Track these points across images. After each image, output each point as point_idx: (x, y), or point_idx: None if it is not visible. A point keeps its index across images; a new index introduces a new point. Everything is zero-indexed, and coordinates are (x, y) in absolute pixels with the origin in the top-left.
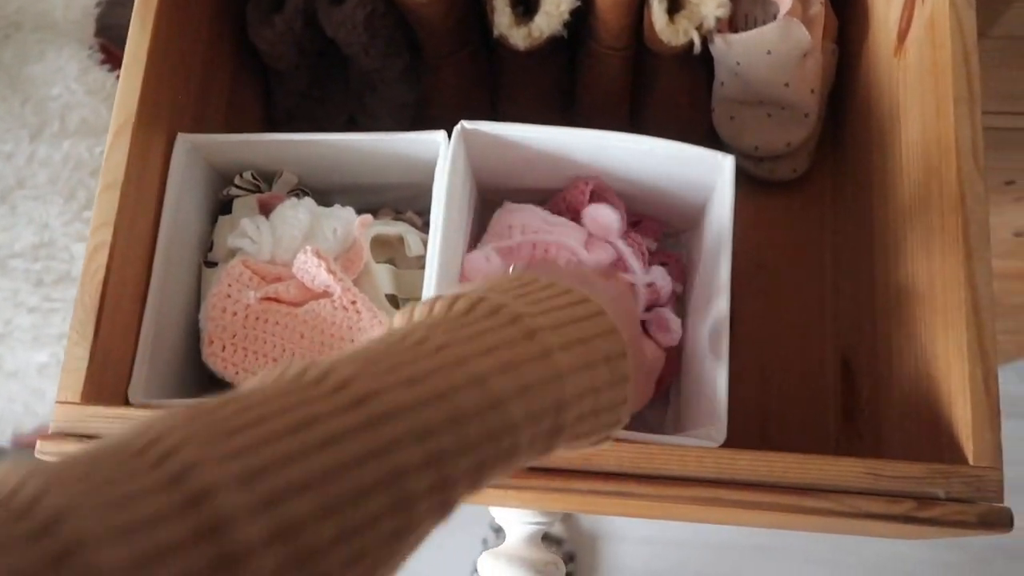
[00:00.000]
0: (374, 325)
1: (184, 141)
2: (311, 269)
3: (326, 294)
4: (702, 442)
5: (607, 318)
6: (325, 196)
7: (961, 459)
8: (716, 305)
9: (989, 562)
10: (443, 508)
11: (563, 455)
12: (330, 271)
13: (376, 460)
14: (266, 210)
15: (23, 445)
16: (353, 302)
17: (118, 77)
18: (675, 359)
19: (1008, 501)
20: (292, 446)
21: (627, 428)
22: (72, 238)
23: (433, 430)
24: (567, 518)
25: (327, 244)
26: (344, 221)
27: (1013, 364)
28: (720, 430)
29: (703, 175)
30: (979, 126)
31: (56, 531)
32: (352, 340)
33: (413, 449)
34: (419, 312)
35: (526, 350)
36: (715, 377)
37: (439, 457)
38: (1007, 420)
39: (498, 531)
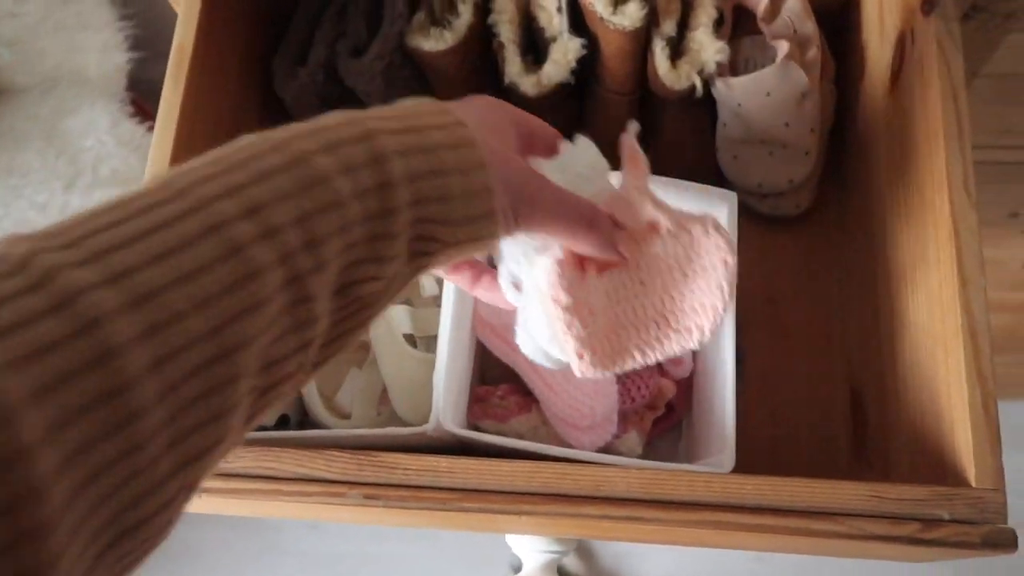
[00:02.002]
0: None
1: None
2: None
3: (652, 230)
4: (711, 470)
5: (451, 115)
6: None
7: (964, 482)
8: (724, 338)
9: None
10: (285, 263)
11: (447, 253)
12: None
13: (194, 216)
14: None
15: None
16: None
17: (148, 129)
18: (686, 392)
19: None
20: (110, 219)
21: (641, 458)
22: None
23: (242, 186)
24: (587, 556)
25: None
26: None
27: None
28: (729, 457)
29: (708, 211)
30: (970, 160)
31: None
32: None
33: (225, 203)
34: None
35: (348, 131)
36: (724, 407)
37: (254, 207)
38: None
39: (518, 570)
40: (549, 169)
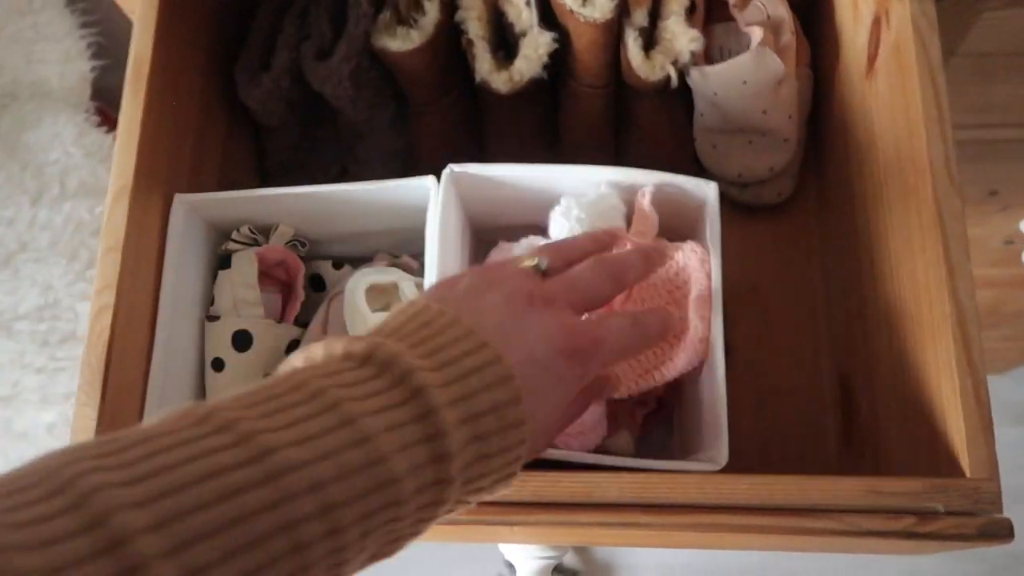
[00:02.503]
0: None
1: (181, 201)
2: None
3: None
4: (703, 466)
5: (502, 365)
6: (321, 245)
7: (958, 472)
8: (713, 331)
9: (1008, 570)
10: (335, 556)
11: (468, 504)
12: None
13: (274, 511)
14: (264, 264)
15: None
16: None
17: (116, 138)
18: (676, 385)
19: (1015, 509)
20: (198, 495)
21: (635, 454)
22: (76, 298)
23: (324, 483)
24: (581, 550)
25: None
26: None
27: (1020, 369)
28: (721, 452)
29: (689, 202)
30: (951, 143)
31: None
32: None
33: (307, 500)
34: (319, 354)
35: (411, 411)
36: (713, 401)
37: (330, 507)
38: (1015, 427)
39: (511, 567)
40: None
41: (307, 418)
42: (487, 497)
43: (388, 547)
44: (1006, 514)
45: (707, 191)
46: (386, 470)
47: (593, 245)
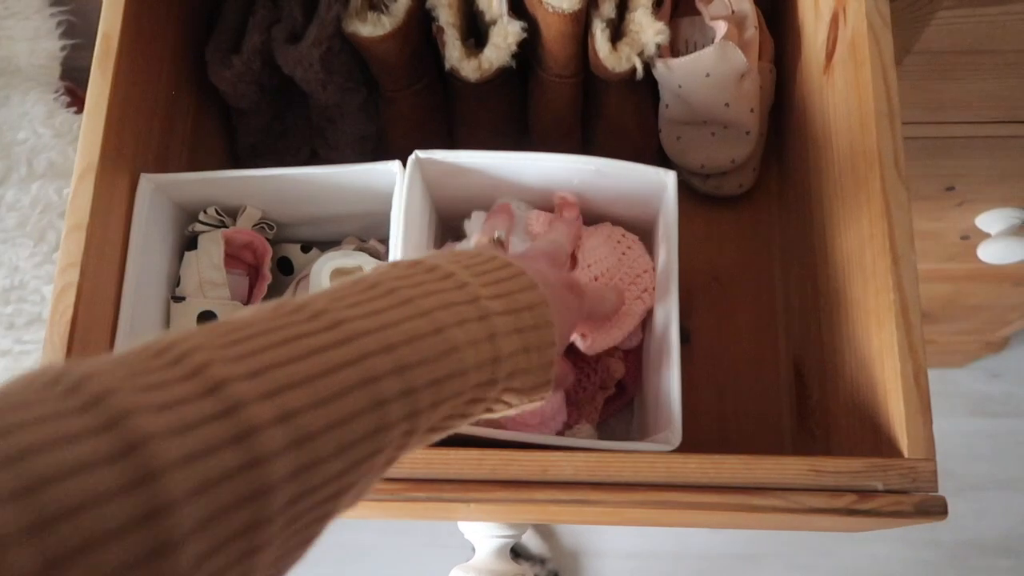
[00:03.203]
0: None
1: (148, 181)
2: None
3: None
4: (659, 447)
5: (538, 291)
6: (289, 228)
7: (897, 452)
8: (669, 316)
9: (964, 558)
10: (410, 421)
11: (501, 413)
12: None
13: (355, 366)
14: (231, 246)
15: None
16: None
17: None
18: (637, 370)
19: (974, 497)
20: (287, 353)
21: (594, 438)
22: (43, 280)
23: (396, 346)
24: (548, 536)
25: None
26: None
27: (979, 362)
28: (675, 432)
29: (650, 191)
30: (900, 138)
31: (104, 405)
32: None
33: (382, 358)
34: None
35: (471, 311)
36: (670, 384)
37: (403, 367)
38: (979, 418)
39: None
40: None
41: (387, 307)
42: (520, 405)
43: (444, 425)
44: (963, 501)
45: (666, 180)
46: (449, 338)
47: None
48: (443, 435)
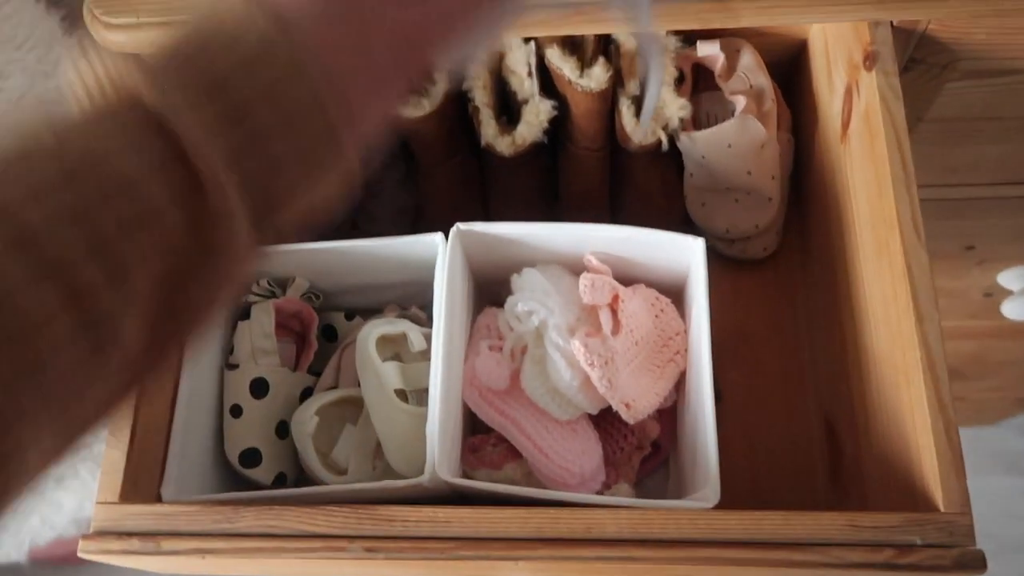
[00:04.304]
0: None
1: None
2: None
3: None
4: (698, 504)
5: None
6: (335, 297)
7: (933, 507)
8: (703, 375)
9: None
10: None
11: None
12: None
13: None
14: (280, 315)
15: (39, 559)
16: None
17: None
18: (671, 428)
19: (1014, 559)
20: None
21: (632, 496)
22: None
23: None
24: None
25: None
26: None
27: (1011, 419)
28: (714, 490)
29: (679, 257)
30: (916, 202)
31: None
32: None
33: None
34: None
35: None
36: (706, 442)
37: (28, 238)
38: (1014, 476)
39: None
40: None
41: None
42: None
43: (189, 287)
44: (1001, 564)
45: (695, 246)
46: (114, 172)
47: None
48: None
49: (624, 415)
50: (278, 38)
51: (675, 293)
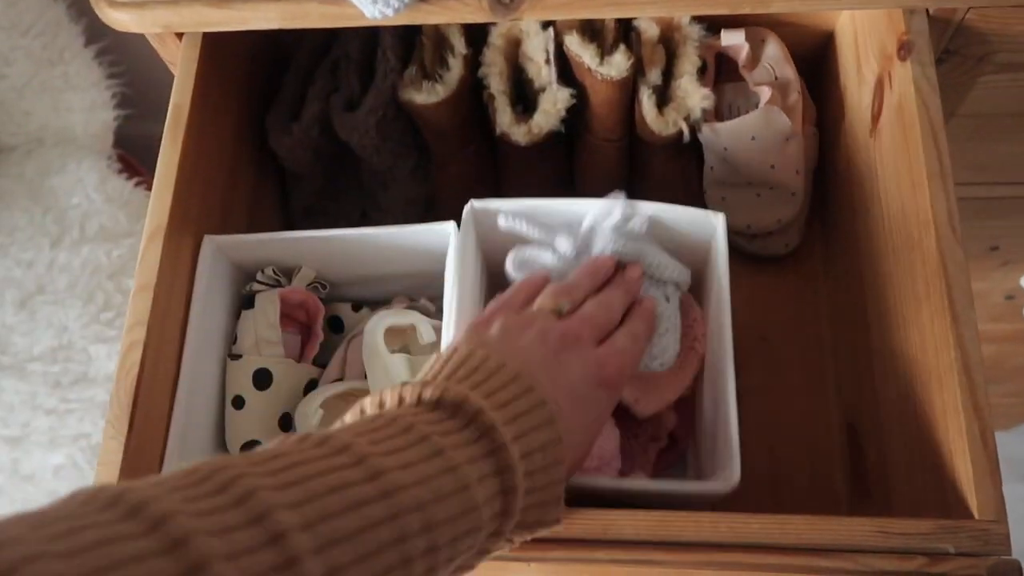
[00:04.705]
0: None
1: (210, 242)
2: None
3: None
4: (716, 486)
5: (554, 427)
6: (341, 287)
7: (966, 514)
8: (724, 359)
9: None
10: (427, 558)
11: (512, 543)
12: None
13: (390, 523)
14: (285, 305)
15: None
16: None
17: (136, 184)
18: (689, 422)
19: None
20: (335, 503)
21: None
22: (90, 340)
23: (425, 504)
24: None
25: None
26: None
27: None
28: (734, 470)
29: (699, 237)
30: (953, 198)
31: (165, 528)
32: None
33: (413, 517)
34: (390, 399)
35: (484, 447)
36: (726, 425)
37: (430, 526)
38: (1022, 484)
39: None
40: None
41: (407, 447)
42: (526, 535)
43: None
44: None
45: (716, 223)
46: (471, 497)
47: (591, 282)
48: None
49: (633, 409)
50: (554, 418)
51: (694, 281)
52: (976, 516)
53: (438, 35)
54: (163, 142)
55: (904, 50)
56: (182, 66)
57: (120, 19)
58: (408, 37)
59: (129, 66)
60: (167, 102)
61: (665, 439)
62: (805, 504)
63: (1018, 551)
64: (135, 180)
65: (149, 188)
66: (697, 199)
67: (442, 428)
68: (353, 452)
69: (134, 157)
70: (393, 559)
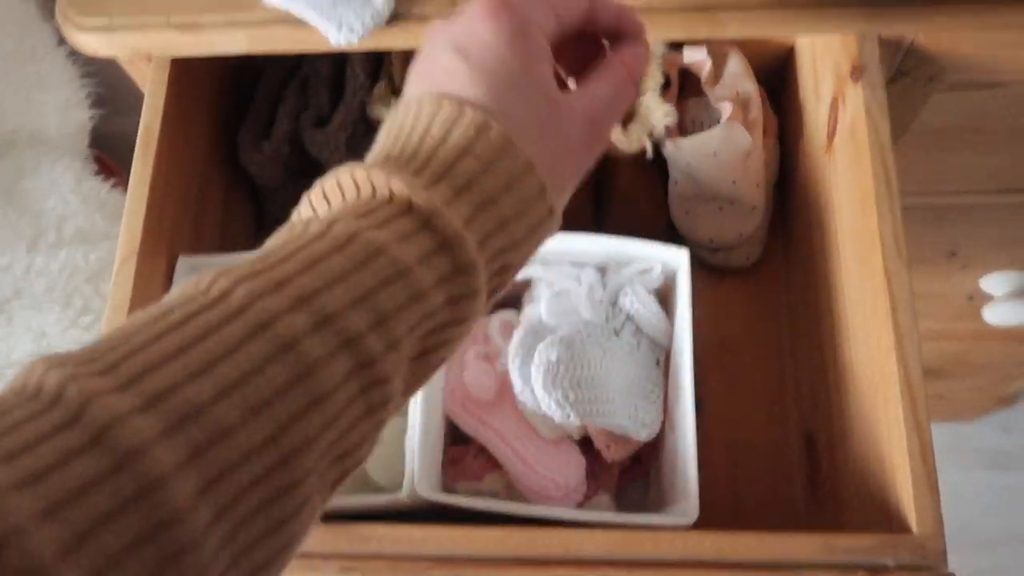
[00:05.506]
0: None
1: (184, 263)
2: None
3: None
4: (675, 520)
5: (497, 133)
6: None
7: (906, 527)
8: (684, 389)
9: None
10: (350, 348)
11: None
12: None
13: (237, 319)
14: None
15: None
16: None
17: (113, 186)
18: (652, 441)
19: (990, 552)
20: (169, 346)
21: (612, 509)
22: (69, 343)
23: (288, 278)
24: None
25: None
26: None
27: (990, 416)
28: (692, 506)
29: (664, 268)
30: (899, 220)
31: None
32: None
33: (270, 299)
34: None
35: (415, 221)
36: (686, 457)
37: (302, 296)
38: (992, 472)
39: None
40: None
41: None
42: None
43: (439, 348)
44: (978, 556)
45: (680, 257)
46: (393, 260)
47: None
48: (457, 337)
49: (604, 454)
50: (505, 143)
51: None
52: (915, 531)
53: (407, 51)
54: (133, 164)
55: (856, 72)
56: (151, 89)
57: (89, 43)
58: (377, 53)
59: (103, 64)
60: (142, 98)
61: (628, 459)
62: (765, 510)
63: (985, 539)
64: (112, 181)
65: (126, 188)
66: (662, 212)
67: (356, 224)
68: (213, 291)
69: (110, 154)
70: (263, 354)
